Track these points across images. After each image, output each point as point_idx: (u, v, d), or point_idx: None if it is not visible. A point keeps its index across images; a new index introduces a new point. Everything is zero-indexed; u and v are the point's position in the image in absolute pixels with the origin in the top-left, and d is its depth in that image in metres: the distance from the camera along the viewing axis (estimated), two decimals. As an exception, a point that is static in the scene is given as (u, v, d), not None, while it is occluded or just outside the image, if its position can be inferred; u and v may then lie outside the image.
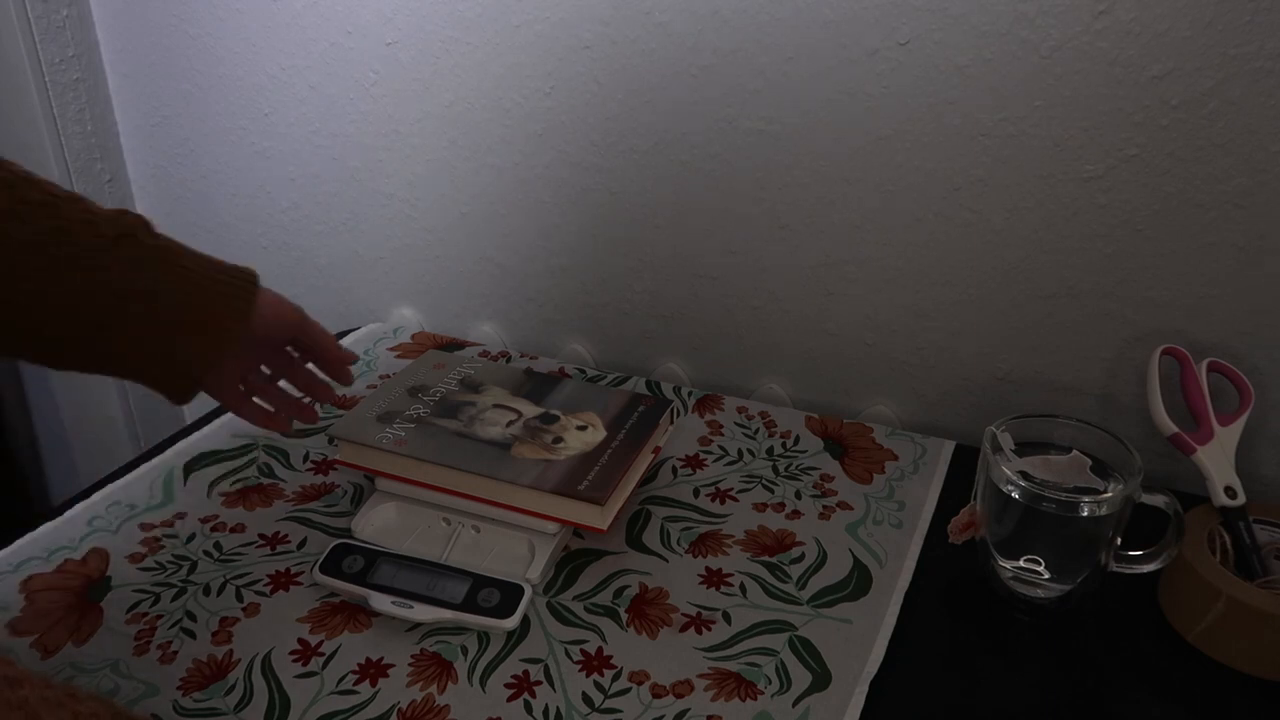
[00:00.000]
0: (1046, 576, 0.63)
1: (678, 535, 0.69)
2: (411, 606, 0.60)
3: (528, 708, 0.56)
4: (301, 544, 0.68)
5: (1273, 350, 0.72)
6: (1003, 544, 0.63)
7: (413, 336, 0.96)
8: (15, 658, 0.58)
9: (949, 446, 0.79)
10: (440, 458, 0.67)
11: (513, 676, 0.58)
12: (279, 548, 0.68)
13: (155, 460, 0.76)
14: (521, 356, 0.93)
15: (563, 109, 0.85)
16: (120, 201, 1.08)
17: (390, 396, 0.74)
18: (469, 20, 0.85)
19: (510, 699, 0.56)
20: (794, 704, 0.56)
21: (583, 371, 0.90)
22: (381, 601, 0.61)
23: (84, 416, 1.18)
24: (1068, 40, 0.68)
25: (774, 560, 0.67)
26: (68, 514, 0.70)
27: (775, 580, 0.65)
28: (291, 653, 0.59)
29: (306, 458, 0.77)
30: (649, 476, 0.75)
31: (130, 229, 0.54)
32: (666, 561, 0.67)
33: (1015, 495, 0.61)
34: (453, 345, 0.94)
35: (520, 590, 0.62)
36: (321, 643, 0.60)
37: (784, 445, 0.79)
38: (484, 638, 0.60)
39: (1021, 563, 0.63)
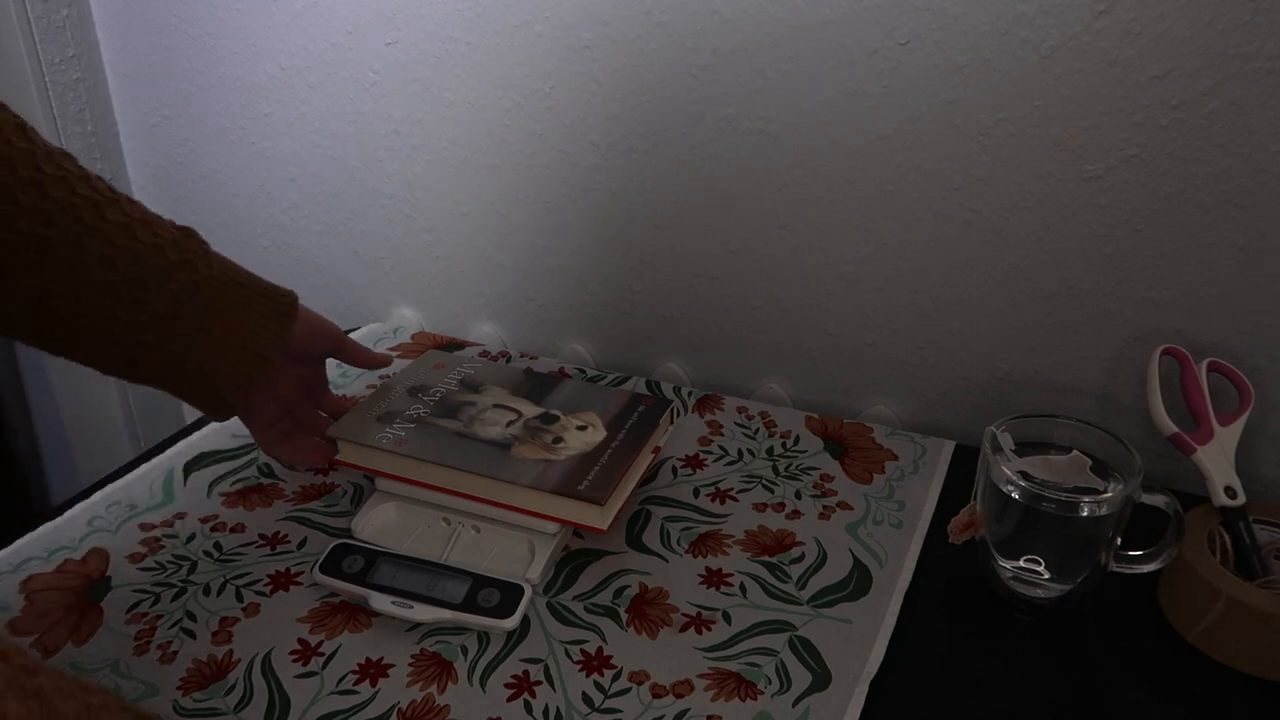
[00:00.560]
0: (1046, 576, 0.63)
1: (678, 535, 0.69)
2: (411, 606, 0.60)
3: (528, 708, 0.56)
4: (301, 544, 0.68)
5: (1273, 350, 0.72)
6: (1003, 544, 0.63)
7: (413, 336, 0.96)
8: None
9: (949, 446, 0.79)
10: (440, 458, 0.67)
11: (513, 676, 0.58)
12: (279, 548, 0.68)
13: (155, 460, 0.76)
14: (521, 356, 0.93)
15: (563, 109, 0.85)
16: (120, 201, 1.08)
17: (390, 397, 0.74)
18: (469, 20, 0.85)
19: (510, 699, 0.56)
20: (794, 704, 0.56)
21: (583, 371, 0.90)
22: (381, 601, 0.61)
23: (84, 416, 1.18)
24: (1068, 40, 0.68)
25: (774, 560, 0.67)
26: (68, 514, 0.70)
27: (775, 580, 0.65)
28: (291, 653, 0.59)
29: (306, 458, 0.77)
30: (649, 476, 0.75)
31: (191, 258, 0.59)
32: (666, 561, 0.67)
33: (1015, 495, 0.61)
34: (453, 345, 0.94)
35: (520, 590, 0.62)
36: (321, 643, 0.60)
37: (784, 445, 0.79)
38: (484, 638, 0.60)
39: (1021, 563, 0.63)
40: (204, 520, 0.70)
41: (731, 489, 0.74)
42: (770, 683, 0.57)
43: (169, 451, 0.77)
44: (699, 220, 0.85)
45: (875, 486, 0.74)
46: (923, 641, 0.61)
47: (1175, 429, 0.68)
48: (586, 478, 0.65)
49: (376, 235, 1.00)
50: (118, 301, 0.56)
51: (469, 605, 0.61)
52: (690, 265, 0.87)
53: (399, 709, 0.55)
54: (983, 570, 0.66)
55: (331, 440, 0.70)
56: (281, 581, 0.64)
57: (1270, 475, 0.75)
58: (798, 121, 0.78)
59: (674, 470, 0.76)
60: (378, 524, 0.68)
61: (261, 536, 0.69)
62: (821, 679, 0.57)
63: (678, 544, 0.68)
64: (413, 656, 0.59)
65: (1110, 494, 0.61)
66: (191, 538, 0.68)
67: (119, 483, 0.73)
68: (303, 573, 0.65)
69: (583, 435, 0.70)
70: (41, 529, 0.68)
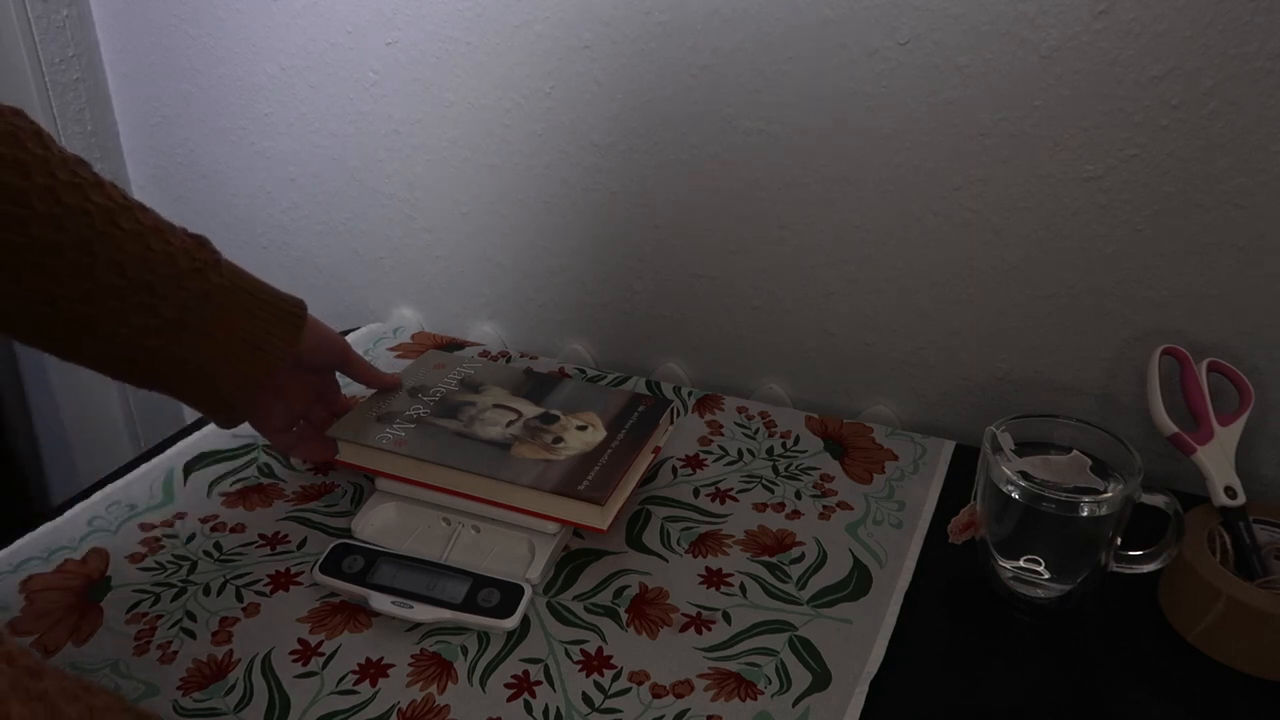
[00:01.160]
0: (1046, 576, 0.63)
1: (678, 535, 0.69)
2: (411, 606, 0.60)
3: (528, 708, 0.56)
4: (301, 544, 0.68)
5: (1273, 350, 0.72)
6: (1003, 544, 0.63)
7: (413, 336, 0.96)
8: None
9: (949, 446, 0.79)
10: (440, 458, 0.67)
11: (513, 676, 0.58)
12: (279, 548, 0.68)
13: (155, 460, 0.76)
14: (521, 356, 0.93)
15: (563, 109, 0.85)
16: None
17: (390, 397, 0.74)
18: (469, 20, 0.85)
19: (510, 699, 0.56)
20: (794, 704, 0.56)
21: (583, 371, 0.90)
22: (381, 601, 0.61)
23: (84, 416, 1.18)
24: (1068, 40, 0.68)
25: (774, 560, 0.67)
26: (68, 514, 0.70)
27: (775, 580, 0.65)
28: (291, 653, 0.59)
29: (306, 458, 0.77)
30: (649, 476, 0.75)
31: (202, 266, 0.60)
32: (666, 561, 0.67)
33: (1015, 495, 0.61)
34: (453, 345, 0.94)
35: (520, 590, 0.62)
36: (321, 643, 0.60)
37: (784, 445, 0.79)
38: (484, 638, 0.60)
39: (1021, 563, 0.63)
40: (204, 520, 0.70)
41: (731, 489, 0.74)
42: (770, 683, 0.57)
43: (169, 451, 0.77)
44: (699, 220, 0.85)
45: (875, 486, 0.74)
46: (923, 641, 0.61)
47: (1175, 429, 0.68)
48: (586, 478, 0.65)
49: (376, 235, 1.00)
50: (127, 307, 0.57)
51: (469, 605, 0.61)
52: (690, 265, 0.87)
53: (399, 709, 0.55)
54: (983, 570, 0.66)
55: (332, 440, 0.70)
56: (281, 581, 0.64)
57: (1270, 475, 0.75)
58: (798, 121, 0.78)
59: (674, 470, 0.76)
60: (378, 524, 0.68)
61: (261, 536, 0.69)
62: (821, 679, 0.57)
63: (678, 544, 0.68)
64: (413, 656, 0.59)
65: (1110, 494, 0.61)
66: (191, 538, 0.68)
67: (119, 483, 0.73)
68: (303, 573, 0.65)
69: (583, 435, 0.70)
70: (41, 529, 0.68)
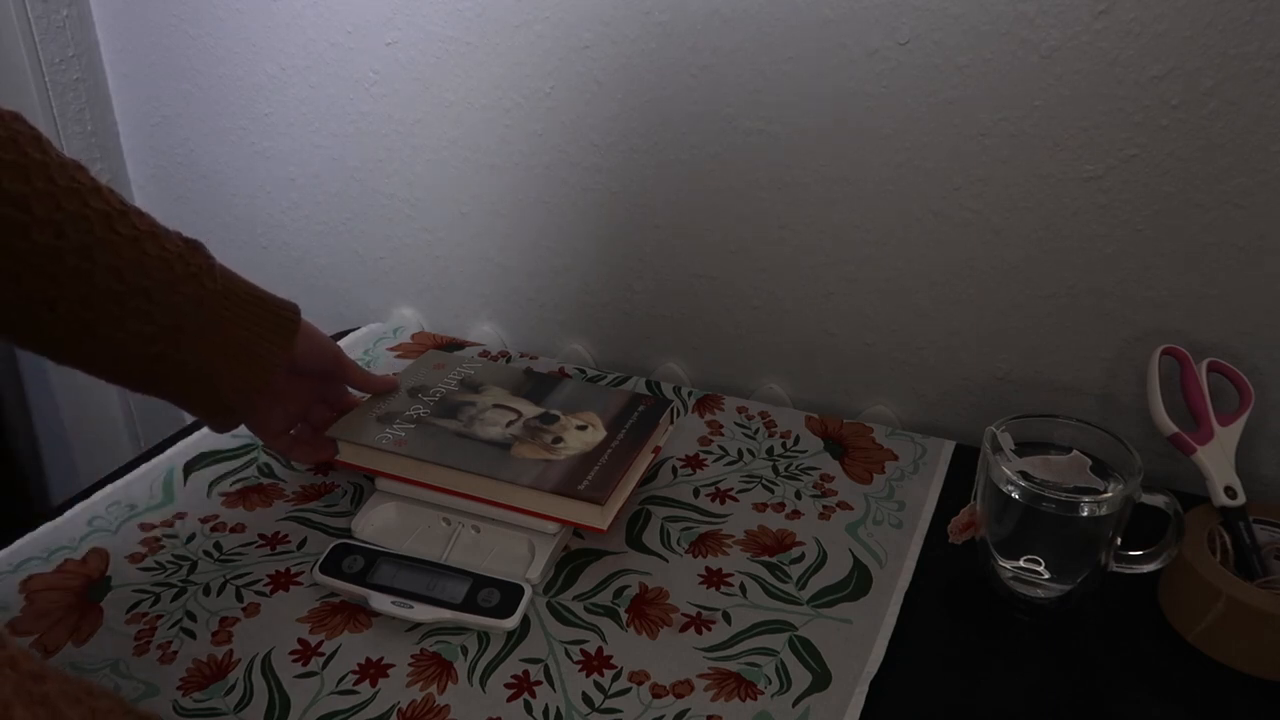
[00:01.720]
0: (1046, 576, 0.63)
1: (678, 535, 0.69)
2: (411, 606, 0.60)
3: (528, 708, 0.56)
4: (301, 544, 0.68)
5: (1273, 350, 0.72)
6: (1003, 544, 0.63)
7: (413, 336, 0.96)
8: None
9: (949, 446, 0.79)
10: (440, 458, 0.67)
11: (513, 676, 0.58)
12: (279, 548, 0.68)
13: (155, 460, 0.76)
14: (521, 356, 0.93)
15: (563, 109, 0.85)
16: (120, 201, 1.08)
17: (390, 397, 0.74)
18: (469, 20, 0.85)
19: (510, 699, 0.56)
20: (794, 704, 0.56)
21: (583, 371, 0.90)
22: (381, 601, 0.61)
23: (84, 416, 1.18)
24: (1068, 40, 0.68)
25: (774, 560, 0.67)
26: (68, 514, 0.70)
27: (775, 580, 0.65)
28: (291, 653, 0.59)
29: (306, 458, 0.77)
30: (649, 476, 0.75)
31: (197, 271, 0.60)
32: (666, 561, 0.67)
33: (1015, 495, 0.61)
34: (453, 345, 0.94)
35: (520, 590, 0.62)
36: (321, 643, 0.60)
37: (784, 445, 0.79)
38: (484, 638, 0.60)
39: (1021, 563, 0.63)
40: (204, 520, 0.70)
41: (731, 489, 0.74)
42: (770, 683, 0.57)
43: (169, 451, 0.77)
44: (699, 220, 0.85)
45: (875, 486, 0.74)
46: (923, 641, 0.61)
47: (1175, 429, 0.68)
48: (586, 478, 0.65)
49: (376, 235, 1.00)
50: (125, 312, 0.57)
51: (469, 605, 0.61)
52: (690, 265, 0.87)
53: (399, 709, 0.55)
54: (983, 570, 0.66)
55: (332, 440, 0.70)
56: (281, 581, 0.64)
57: (1270, 475, 0.75)
58: (798, 121, 0.78)
59: (674, 470, 0.76)
60: (378, 524, 0.68)
61: (261, 536, 0.69)
62: (821, 679, 0.57)
63: (678, 544, 0.68)
64: (413, 656, 0.59)
65: (1110, 494, 0.61)
66: (191, 538, 0.68)
67: (119, 483, 0.73)
68: (303, 573, 0.65)
69: (583, 435, 0.70)
70: (41, 529, 0.68)
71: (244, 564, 0.66)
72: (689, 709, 0.55)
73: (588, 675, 0.58)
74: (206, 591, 0.63)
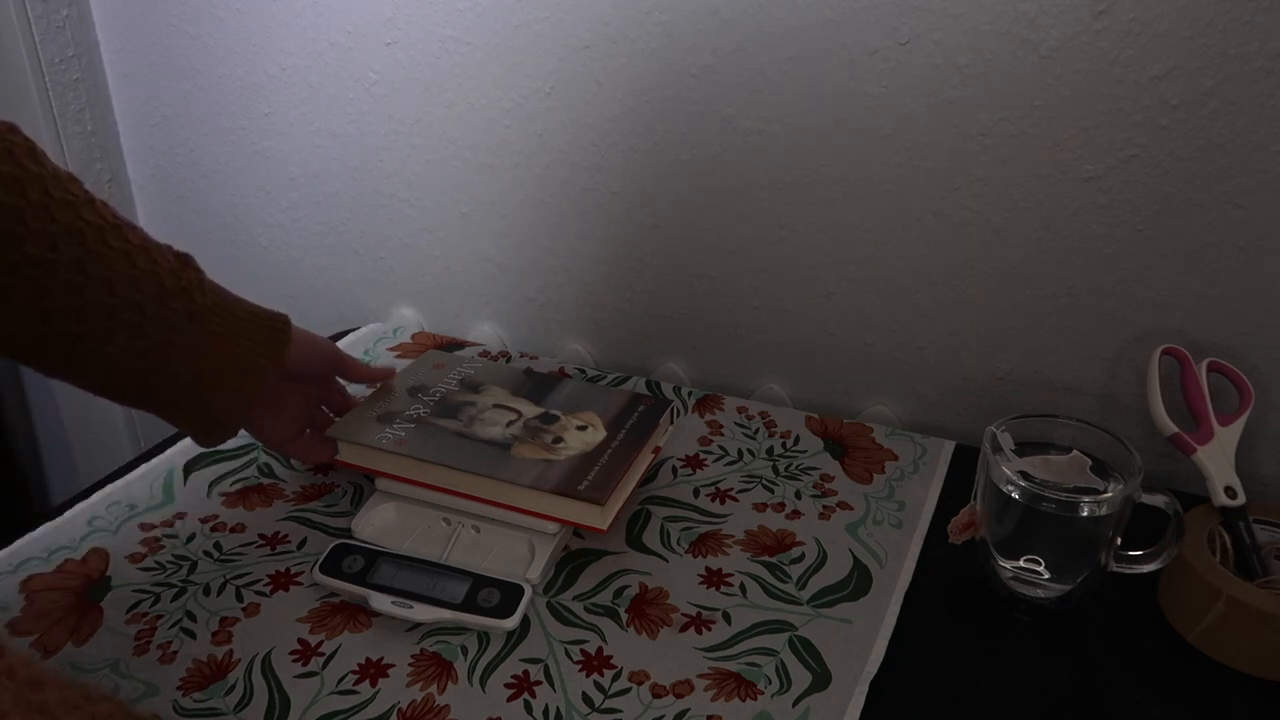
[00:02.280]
0: (1046, 576, 0.63)
1: (678, 535, 0.69)
2: (411, 606, 0.60)
3: (528, 708, 0.56)
4: (301, 544, 0.68)
5: (1273, 350, 0.72)
6: (1003, 544, 0.63)
7: (413, 336, 0.96)
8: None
9: (949, 446, 0.79)
10: (440, 458, 0.67)
11: (513, 676, 0.58)
12: (279, 548, 0.68)
13: (155, 460, 0.76)
14: (521, 356, 0.93)
15: (563, 109, 0.85)
16: (120, 202, 1.08)
17: (390, 397, 0.74)
18: (469, 20, 0.85)
19: (510, 699, 0.56)
20: (794, 704, 0.56)
21: (583, 371, 0.90)
22: (381, 601, 0.61)
23: (84, 416, 1.18)
24: (1068, 40, 0.68)
25: (774, 560, 0.67)
26: (68, 514, 0.70)
27: (775, 580, 0.65)
28: (291, 653, 0.59)
29: (306, 458, 0.77)
30: (649, 476, 0.75)
31: (187, 286, 0.60)
32: (666, 561, 0.67)
33: (1015, 495, 0.61)
34: (453, 345, 0.94)
35: (520, 590, 0.62)
36: (321, 643, 0.60)
37: (784, 445, 0.79)
38: (484, 638, 0.60)
39: (1021, 563, 0.63)
40: (204, 520, 0.70)
41: (731, 489, 0.74)
42: (770, 683, 0.57)
43: (169, 451, 0.77)
44: (699, 220, 0.85)
45: (875, 486, 0.74)
46: (923, 641, 0.61)
47: (1175, 429, 0.68)
48: (586, 478, 0.65)
49: (376, 235, 1.00)
50: (117, 325, 0.57)
51: (469, 605, 0.61)
52: (690, 265, 0.87)
53: (399, 709, 0.55)
54: (983, 570, 0.66)
55: (331, 440, 0.70)
56: (281, 581, 0.64)
57: (1270, 475, 0.75)
58: (798, 121, 0.78)
59: (674, 470, 0.76)
60: (378, 524, 0.68)
61: (261, 536, 0.69)
62: (821, 679, 0.57)
63: (678, 544, 0.68)
64: (413, 656, 0.59)
65: (1110, 494, 0.61)
66: (191, 538, 0.68)
67: (119, 483, 0.73)
68: (303, 573, 0.65)
69: (583, 435, 0.70)
70: (41, 529, 0.68)
71: (244, 564, 0.66)
72: (689, 709, 0.56)
73: (588, 675, 0.58)
74: (206, 591, 0.63)
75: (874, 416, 0.86)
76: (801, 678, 0.57)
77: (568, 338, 0.96)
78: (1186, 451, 0.67)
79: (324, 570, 0.63)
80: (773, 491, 0.74)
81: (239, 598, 0.63)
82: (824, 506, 0.72)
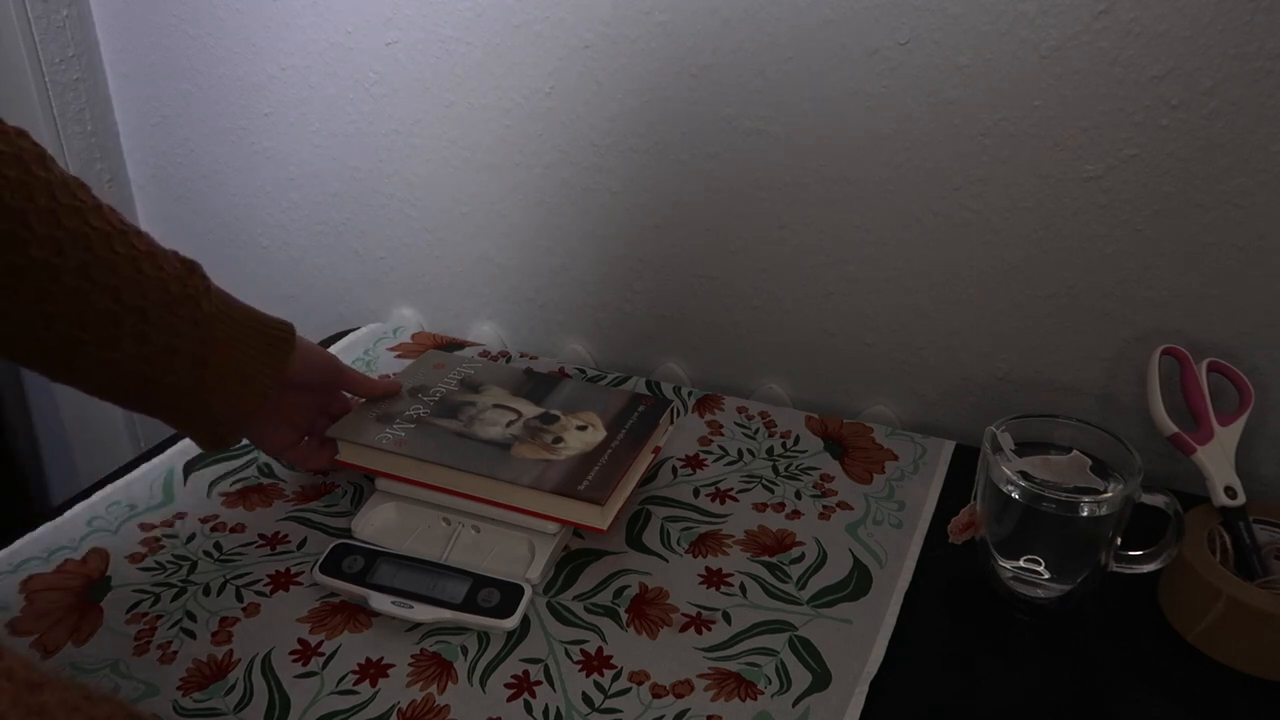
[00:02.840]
0: (1046, 576, 0.63)
1: (678, 535, 0.69)
2: (411, 606, 0.60)
3: (528, 708, 0.56)
4: (301, 544, 0.68)
5: (1273, 350, 0.72)
6: (1003, 544, 0.63)
7: (413, 336, 0.96)
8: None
9: (949, 446, 0.79)
10: (440, 458, 0.67)
11: (513, 676, 0.58)
12: (279, 548, 0.68)
13: (155, 460, 0.76)
14: (521, 356, 0.93)
15: (563, 109, 0.85)
16: (120, 202, 1.08)
17: (390, 397, 0.74)
18: (469, 20, 0.85)
19: (510, 699, 0.56)
20: (794, 704, 0.56)
21: (583, 371, 0.90)
22: (381, 601, 0.61)
23: (84, 416, 1.18)
24: (1068, 40, 0.68)
25: (774, 560, 0.67)
26: (68, 514, 0.70)
27: (775, 580, 0.65)
28: (291, 653, 0.59)
29: (306, 458, 0.77)
30: (649, 476, 0.75)
31: (193, 294, 0.60)
32: (666, 561, 0.67)
33: (1015, 495, 0.61)
34: (453, 345, 0.94)
35: (520, 590, 0.62)
36: (321, 643, 0.60)
37: (784, 445, 0.79)
38: (484, 638, 0.60)
39: (1021, 563, 0.63)
40: (204, 520, 0.70)
41: (731, 489, 0.74)
42: (770, 683, 0.57)
43: (169, 451, 0.77)
44: (699, 220, 0.85)
45: (875, 486, 0.74)
46: (923, 641, 0.61)
47: (1175, 429, 0.68)
48: (586, 478, 0.65)
49: (376, 235, 1.00)
50: (121, 332, 0.57)
51: (469, 605, 0.61)
52: (690, 265, 0.87)
53: (399, 709, 0.55)
54: (983, 570, 0.66)
55: (331, 444, 0.70)
56: (281, 581, 0.64)
57: (1270, 475, 0.75)
58: (798, 121, 0.78)
59: (674, 470, 0.76)
60: (378, 524, 0.68)
61: (261, 536, 0.69)
62: (821, 679, 0.57)
63: (678, 544, 0.68)
64: (413, 656, 0.59)
65: (1110, 494, 0.61)
66: (191, 538, 0.68)
67: (119, 483, 0.73)
68: (303, 573, 0.65)
69: (583, 435, 0.70)
70: (41, 529, 0.68)
71: (244, 564, 0.66)
72: (689, 709, 0.56)
73: (588, 675, 0.58)
74: (206, 591, 0.63)
75: (874, 416, 0.86)
76: (801, 678, 0.57)
77: (568, 338, 0.96)
78: (1186, 451, 0.67)
79: (324, 570, 0.63)
80: (773, 491, 0.74)
81: (239, 598, 0.63)
82: (824, 506, 0.72)
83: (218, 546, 0.67)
